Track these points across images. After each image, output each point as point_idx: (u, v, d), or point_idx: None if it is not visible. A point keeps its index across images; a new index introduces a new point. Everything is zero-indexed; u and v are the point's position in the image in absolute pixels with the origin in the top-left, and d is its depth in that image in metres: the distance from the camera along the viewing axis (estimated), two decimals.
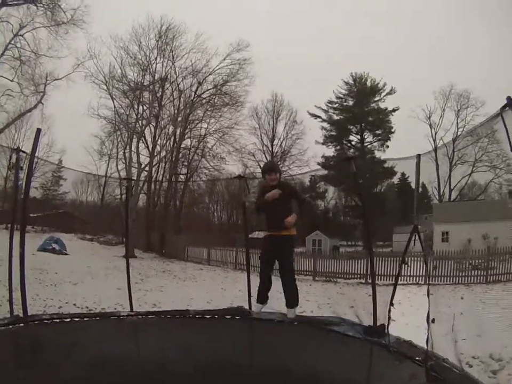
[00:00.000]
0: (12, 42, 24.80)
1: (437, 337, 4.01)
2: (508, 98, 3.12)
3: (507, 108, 3.16)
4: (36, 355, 3.70)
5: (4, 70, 24.86)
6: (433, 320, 4.08)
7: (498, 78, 40.78)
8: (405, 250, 5.26)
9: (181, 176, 33.03)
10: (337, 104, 43.67)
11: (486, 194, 37.66)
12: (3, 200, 35.53)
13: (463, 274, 14.85)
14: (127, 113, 29.29)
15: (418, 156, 4.81)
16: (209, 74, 31.52)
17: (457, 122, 37.94)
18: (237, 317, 5.41)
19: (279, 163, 40.29)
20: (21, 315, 4.58)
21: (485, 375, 4.17)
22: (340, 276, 16.47)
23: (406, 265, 4.67)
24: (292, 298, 4.32)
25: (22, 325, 4.31)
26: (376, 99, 42.47)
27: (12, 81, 25.32)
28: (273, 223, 4.35)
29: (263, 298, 4.49)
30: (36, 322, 4.49)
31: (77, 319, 5.08)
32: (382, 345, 4.56)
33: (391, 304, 4.58)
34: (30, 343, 4.04)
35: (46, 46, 26.00)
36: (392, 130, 41.77)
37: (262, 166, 5.44)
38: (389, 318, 4.54)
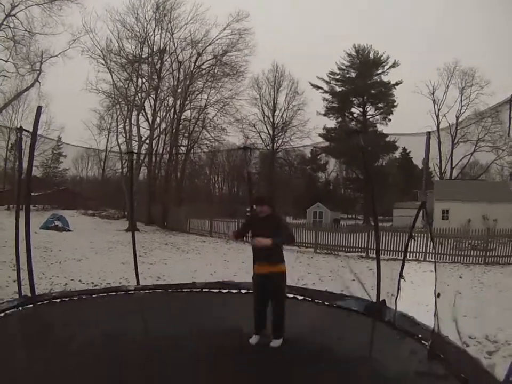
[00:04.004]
0: (5, 23, 24.24)
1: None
2: None
3: None
4: (48, 335, 3.76)
5: None
6: (438, 295, 4.16)
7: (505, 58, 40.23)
8: (412, 225, 5.32)
9: (182, 148, 32.78)
10: (339, 76, 43.10)
11: (488, 175, 37.70)
12: (3, 181, 35.62)
13: (462, 253, 14.83)
14: (126, 86, 28.77)
15: (428, 134, 4.77)
16: (209, 45, 30.85)
17: (461, 100, 37.60)
18: (243, 292, 5.52)
19: (279, 134, 40.19)
20: (29, 295, 4.64)
21: (481, 356, 4.23)
22: (340, 249, 16.60)
23: (413, 240, 4.75)
24: (277, 329, 3.99)
25: (31, 305, 4.37)
26: (379, 72, 41.90)
27: (6, 61, 25.04)
28: (258, 255, 4.11)
29: (257, 328, 4.08)
30: (45, 302, 4.56)
31: (85, 296, 5.16)
32: (386, 322, 4.68)
33: (401, 276, 4.67)
34: (41, 324, 4.10)
35: (40, 24, 25.64)
36: (395, 104, 41.37)
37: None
38: (398, 290, 4.63)
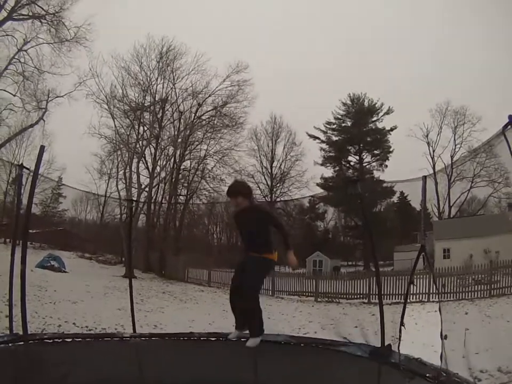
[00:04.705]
0: (16, 56, 25.24)
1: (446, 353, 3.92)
2: (510, 116, 3.10)
3: (509, 127, 3.14)
4: (36, 375, 3.57)
5: (7, 84, 25.26)
6: (445, 337, 4.01)
7: (494, 93, 41.39)
8: (412, 270, 5.19)
9: (181, 197, 32.89)
10: (335, 125, 43.93)
11: (486, 209, 37.54)
12: (1, 214, 35.39)
13: (467, 289, 14.80)
14: (128, 133, 29.30)
15: (424, 178, 4.78)
16: (209, 96, 31.69)
17: (454, 139, 38.14)
18: (243, 339, 5.29)
19: (278, 185, 40.39)
20: (21, 333, 4.46)
21: None
22: (342, 296, 16.31)
23: (413, 285, 4.63)
24: (251, 326, 3.88)
25: (22, 343, 4.19)
26: (373, 119, 42.79)
27: (14, 95, 25.71)
28: (248, 248, 4.00)
29: (236, 320, 4.07)
30: (36, 341, 4.36)
31: (78, 339, 4.95)
32: (392, 364, 4.47)
33: (402, 323, 4.51)
34: (30, 363, 3.91)
35: (49, 63, 26.43)
36: (391, 149, 41.95)
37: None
38: (400, 336, 4.46)
